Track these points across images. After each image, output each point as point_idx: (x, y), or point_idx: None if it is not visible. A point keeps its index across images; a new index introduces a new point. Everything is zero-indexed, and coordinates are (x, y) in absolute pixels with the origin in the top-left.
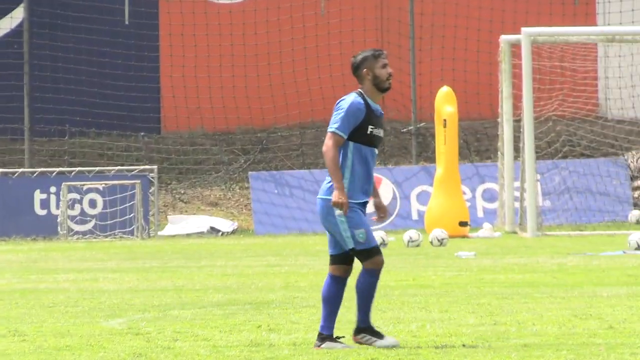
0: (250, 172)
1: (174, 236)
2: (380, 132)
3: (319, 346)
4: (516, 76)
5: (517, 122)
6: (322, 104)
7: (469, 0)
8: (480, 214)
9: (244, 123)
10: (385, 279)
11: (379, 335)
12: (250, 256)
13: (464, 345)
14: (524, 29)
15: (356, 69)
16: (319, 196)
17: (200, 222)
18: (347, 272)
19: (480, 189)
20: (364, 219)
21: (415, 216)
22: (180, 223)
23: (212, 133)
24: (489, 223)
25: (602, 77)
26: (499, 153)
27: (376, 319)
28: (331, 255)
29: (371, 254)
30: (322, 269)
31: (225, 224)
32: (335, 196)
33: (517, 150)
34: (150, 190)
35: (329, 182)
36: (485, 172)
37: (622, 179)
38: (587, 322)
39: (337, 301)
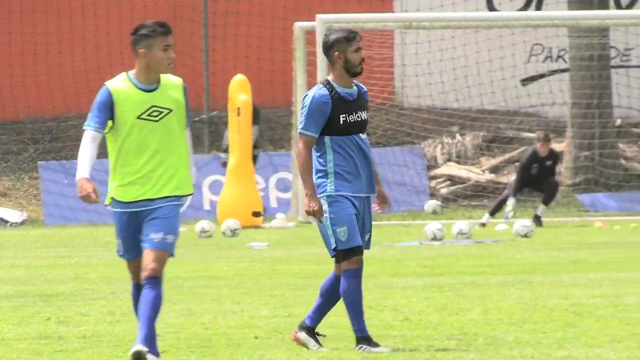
0: (39, 162)
1: None
2: (358, 116)
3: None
4: (311, 64)
5: None
6: None
7: None
8: (274, 204)
9: (33, 112)
10: (176, 270)
11: (376, 345)
12: (39, 247)
13: (256, 338)
14: (318, 16)
15: (327, 50)
16: None
17: None
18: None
19: (273, 179)
20: (348, 215)
21: (207, 206)
22: None
23: (0, 122)
24: (283, 213)
25: (398, 65)
26: (292, 142)
27: (167, 311)
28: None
29: (349, 254)
30: (112, 260)
31: (13, 215)
32: (305, 204)
33: None
34: None
35: (317, 178)
36: (279, 162)
37: (419, 169)
38: (382, 313)
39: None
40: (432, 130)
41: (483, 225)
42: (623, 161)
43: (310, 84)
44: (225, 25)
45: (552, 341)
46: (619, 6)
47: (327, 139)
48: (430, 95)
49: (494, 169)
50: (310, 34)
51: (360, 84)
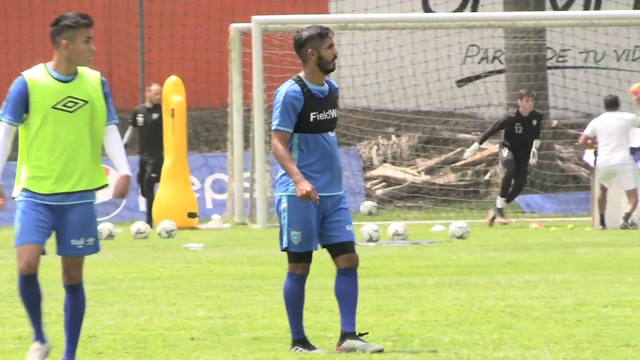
0: None
1: None
2: (328, 115)
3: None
4: (247, 65)
5: (248, 111)
6: None
7: None
8: (209, 205)
9: None
10: (112, 271)
11: (312, 347)
12: None
13: (192, 339)
14: (254, 17)
15: (299, 47)
16: (275, 193)
17: None
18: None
19: (209, 180)
20: (307, 220)
21: (142, 207)
22: None
23: None
24: (218, 214)
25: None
26: (228, 143)
27: (103, 312)
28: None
29: (298, 258)
30: (47, 262)
31: None
32: (298, 190)
33: (247, 141)
34: None
35: (281, 175)
36: (215, 163)
37: (355, 170)
38: (318, 314)
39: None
40: (367, 132)
41: (500, 210)
42: (559, 162)
43: (246, 85)
44: (161, 27)
45: (489, 342)
46: (555, 7)
47: (295, 136)
48: (366, 96)
49: (430, 170)
50: (246, 35)
51: (332, 81)
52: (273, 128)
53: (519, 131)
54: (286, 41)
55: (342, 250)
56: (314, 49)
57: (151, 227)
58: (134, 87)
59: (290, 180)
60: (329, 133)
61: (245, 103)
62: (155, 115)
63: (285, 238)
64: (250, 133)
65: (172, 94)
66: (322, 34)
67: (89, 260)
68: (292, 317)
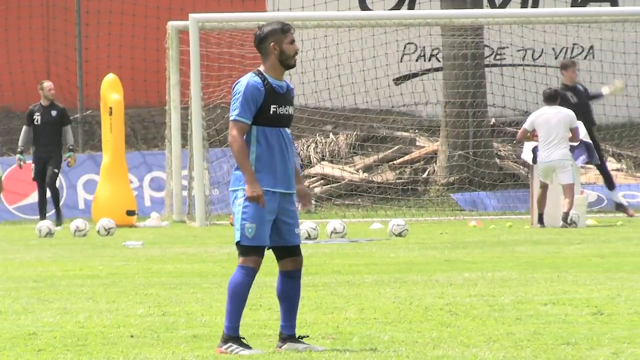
0: None
1: None
2: (287, 110)
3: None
4: (184, 63)
5: (185, 109)
6: None
7: None
8: (147, 202)
9: None
10: (51, 269)
11: (247, 347)
12: None
13: (132, 337)
14: (191, 15)
15: (261, 41)
16: (230, 187)
17: None
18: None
19: (147, 178)
20: (261, 214)
21: (82, 205)
22: None
23: None
24: (157, 212)
25: None
26: (166, 141)
27: (42, 310)
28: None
29: (250, 251)
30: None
31: None
32: (248, 190)
33: (185, 138)
34: None
35: (236, 169)
36: (153, 161)
37: None
38: (257, 312)
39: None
40: (305, 130)
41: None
42: (497, 160)
43: (184, 83)
44: (99, 25)
45: (428, 340)
46: (492, 5)
47: (254, 129)
48: (304, 94)
49: (368, 168)
50: (183, 33)
51: (287, 81)
52: (232, 118)
53: (574, 100)
54: (223, 39)
55: (289, 253)
56: (276, 43)
57: (60, 223)
58: (72, 85)
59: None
60: (286, 129)
61: (182, 101)
62: (53, 113)
63: (238, 233)
64: (188, 131)
65: (110, 92)
66: (284, 29)
67: (28, 258)
68: (233, 312)
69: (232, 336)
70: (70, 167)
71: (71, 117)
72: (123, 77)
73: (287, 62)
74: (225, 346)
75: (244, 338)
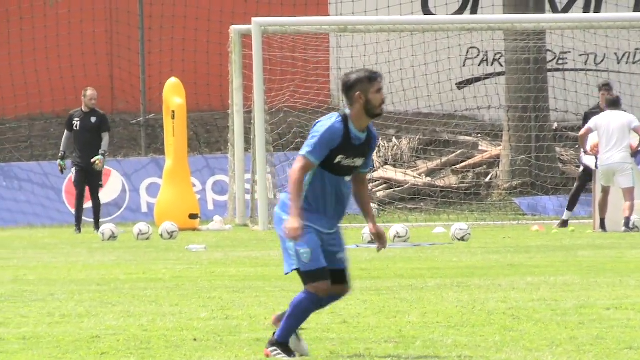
0: None
1: None
2: (353, 162)
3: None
4: (247, 67)
5: (248, 113)
6: (51, 96)
7: None
8: (210, 206)
9: None
10: (115, 272)
11: (291, 354)
12: None
13: (195, 340)
14: (254, 19)
15: (348, 90)
16: (276, 208)
17: None
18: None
19: (210, 182)
20: (313, 239)
21: (144, 209)
22: None
23: None
24: (220, 216)
25: (334, 68)
26: (229, 145)
27: (106, 313)
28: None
29: (314, 277)
30: (50, 262)
31: None
32: (288, 223)
33: (248, 142)
34: None
35: (285, 193)
36: (216, 165)
37: None
38: (320, 316)
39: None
40: None
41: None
42: (560, 165)
43: (247, 87)
44: (162, 29)
45: (491, 344)
46: (554, 10)
47: (317, 170)
48: None
49: (431, 172)
50: (246, 37)
51: (373, 129)
52: (302, 153)
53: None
54: (286, 43)
55: (334, 278)
56: (362, 92)
57: (97, 228)
58: (135, 89)
59: None
60: (346, 177)
61: (245, 105)
62: (93, 119)
63: (293, 259)
64: (251, 135)
65: (173, 95)
66: (372, 78)
67: (91, 261)
68: (289, 327)
69: (280, 342)
70: (97, 169)
71: (134, 121)
72: (186, 81)
73: (372, 112)
74: (271, 349)
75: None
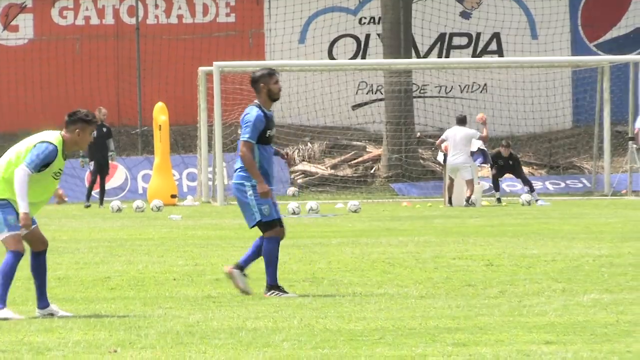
0: None
1: None
2: (273, 132)
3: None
4: (210, 95)
5: (211, 126)
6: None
7: (184, 42)
8: (185, 189)
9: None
10: (120, 234)
11: (285, 292)
12: None
13: (174, 279)
14: (215, 63)
15: (255, 83)
16: (233, 181)
17: None
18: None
19: (185, 172)
20: (268, 198)
21: (140, 191)
22: None
23: None
24: (191, 196)
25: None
26: (198, 148)
27: (114, 261)
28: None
29: (273, 224)
30: (76, 227)
31: None
32: (259, 188)
33: (210, 146)
34: None
35: (239, 170)
36: (189, 161)
37: (283, 166)
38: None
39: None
40: (291, 140)
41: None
42: (421, 161)
43: (210, 109)
44: (152, 69)
45: (374, 283)
46: (418, 55)
47: (256, 146)
48: (290, 116)
49: (334, 166)
50: (209, 74)
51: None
52: (244, 139)
53: (502, 163)
54: (237, 79)
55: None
56: (265, 84)
57: (101, 204)
58: (134, 109)
59: (250, 176)
60: (271, 146)
61: (209, 121)
62: (104, 129)
63: (256, 214)
64: (212, 141)
65: (159, 114)
66: (271, 73)
67: (104, 226)
68: (272, 268)
69: (272, 285)
70: (112, 161)
71: (134, 132)
72: (170, 104)
73: (273, 97)
74: (269, 293)
75: (281, 286)
